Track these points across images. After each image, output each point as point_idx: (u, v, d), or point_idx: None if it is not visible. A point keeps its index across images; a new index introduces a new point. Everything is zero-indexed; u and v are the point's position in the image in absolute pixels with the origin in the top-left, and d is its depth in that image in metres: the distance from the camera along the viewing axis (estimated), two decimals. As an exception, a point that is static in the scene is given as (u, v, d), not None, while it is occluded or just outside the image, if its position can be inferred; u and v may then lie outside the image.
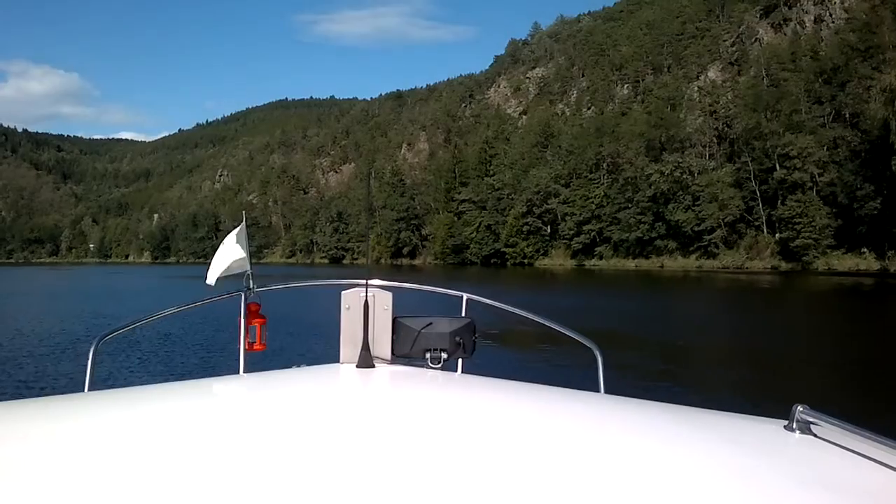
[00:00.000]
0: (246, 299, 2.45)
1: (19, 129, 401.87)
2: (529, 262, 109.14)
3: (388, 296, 2.26)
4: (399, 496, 1.02)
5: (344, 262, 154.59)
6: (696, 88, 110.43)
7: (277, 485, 1.06)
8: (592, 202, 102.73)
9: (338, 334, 2.24)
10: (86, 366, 2.35)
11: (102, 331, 2.57)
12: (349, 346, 2.22)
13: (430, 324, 2.28)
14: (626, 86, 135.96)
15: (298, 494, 1.03)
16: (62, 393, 2.05)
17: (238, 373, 2.32)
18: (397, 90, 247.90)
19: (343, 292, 2.27)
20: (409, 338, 2.26)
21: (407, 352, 2.26)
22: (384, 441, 1.33)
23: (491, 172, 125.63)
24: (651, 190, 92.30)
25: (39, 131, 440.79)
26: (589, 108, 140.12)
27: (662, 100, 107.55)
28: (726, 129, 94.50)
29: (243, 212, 3.23)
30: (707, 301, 41.59)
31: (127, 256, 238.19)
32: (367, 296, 2.20)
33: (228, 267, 2.39)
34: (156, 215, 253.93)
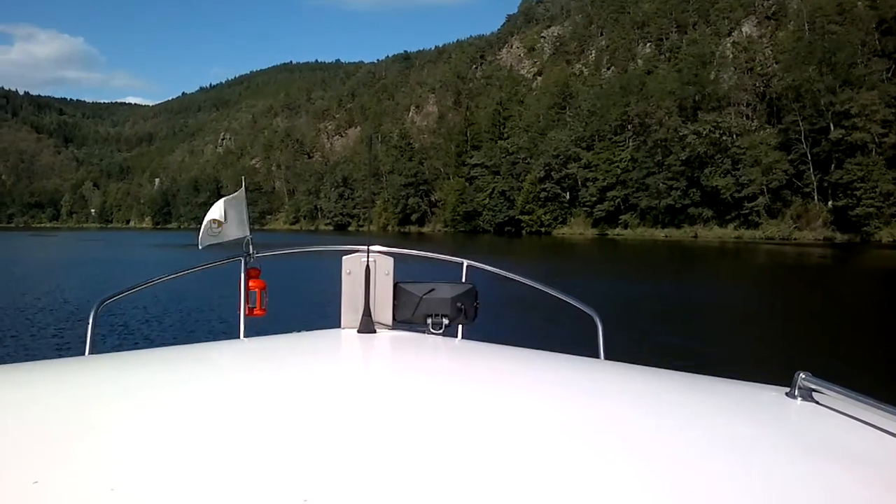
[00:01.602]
0: (246, 265, 2.48)
1: (20, 92, 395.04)
2: (546, 231, 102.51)
3: (390, 261, 2.28)
4: (400, 461, 1.02)
5: (349, 228, 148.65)
6: (728, 45, 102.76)
7: (278, 448, 1.06)
8: (617, 166, 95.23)
9: (339, 300, 2.24)
10: (86, 330, 2.36)
11: (102, 295, 2.56)
12: (350, 311, 2.23)
13: (433, 290, 2.29)
14: (648, 44, 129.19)
15: (299, 458, 1.03)
16: (63, 357, 2.08)
17: (238, 337, 2.32)
18: (405, 51, 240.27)
19: (344, 257, 2.27)
20: (410, 303, 2.27)
21: (408, 317, 2.28)
22: (386, 406, 1.32)
23: (505, 135, 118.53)
24: (685, 153, 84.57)
25: (42, 94, 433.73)
26: (609, 68, 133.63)
27: (693, 57, 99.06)
28: (764, 87, 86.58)
29: (242, 177, 3.21)
30: (749, 275, 37.49)
31: (128, 222, 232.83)
32: (368, 261, 2.21)
33: (223, 233, 2.34)
34: (157, 180, 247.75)
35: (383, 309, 2.23)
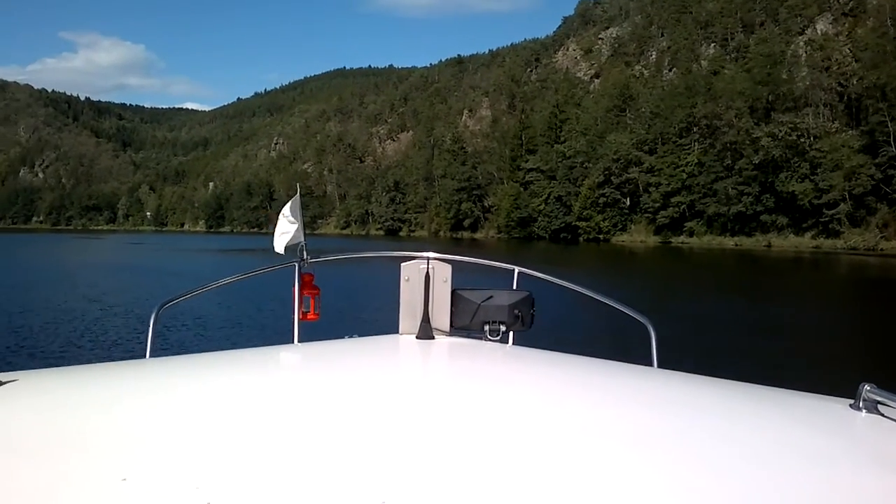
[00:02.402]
0: (299, 270, 2.51)
1: (82, 98, 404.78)
2: (605, 238, 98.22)
3: (448, 268, 2.31)
4: (461, 468, 1.03)
5: (400, 234, 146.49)
6: (801, 43, 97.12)
7: (337, 453, 1.07)
8: (682, 171, 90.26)
9: (396, 305, 2.27)
10: (146, 333, 2.42)
11: (162, 299, 2.65)
12: (408, 317, 2.27)
13: (491, 297, 2.31)
14: (713, 45, 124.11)
15: (360, 462, 1.03)
16: (124, 359, 2.19)
17: (292, 342, 2.35)
18: (458, 55, 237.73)
19: (403, 264, 2.31)
20: (468, 310, 2.30)
21: (466, 324, 2.30)
22: (447, 412, 1.34)
23: (561, 139, 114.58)
24: (758, 156, 79.13)
25: (102, 100, 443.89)
26: (670, 70, 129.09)
27: (763, 56, 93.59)
28: (843, 86, 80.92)
29: (297, 184, 3.22)
30: (827, 287, 34.91)
31: (182, 225, 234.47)
32: (428, 268, 2.26)
33: (292, 237, 2.45)
34: (211, 184, 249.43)
35: (441, 315, 2.26)
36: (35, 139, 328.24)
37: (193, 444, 1.12)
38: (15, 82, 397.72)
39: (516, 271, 2.60)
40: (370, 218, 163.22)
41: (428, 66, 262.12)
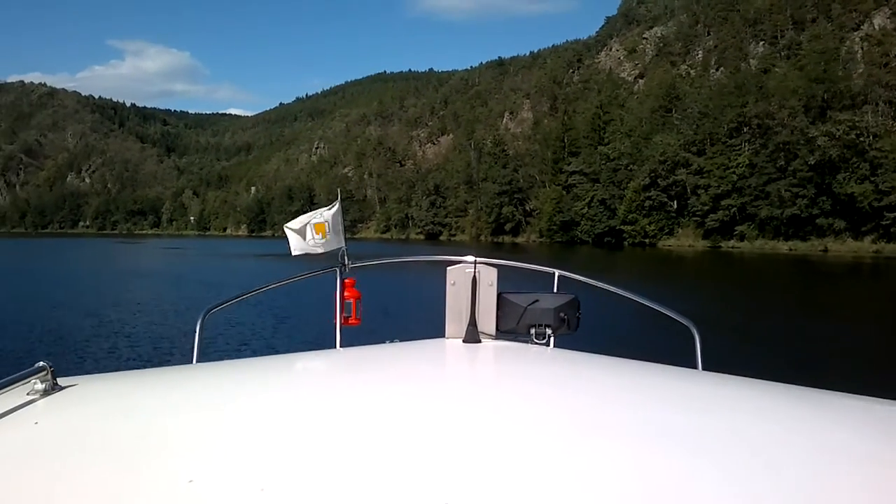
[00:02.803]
0: (341, 275, 2.55)
1: (128, 104, 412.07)
2: (651, 243, 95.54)
3: (494, 272, 2.32)
4: (509, 471, 1.03)
5: (440, 238, 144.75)
6: (857, 39, 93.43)
7: (392, 456, 1.09)
8: (733, 172, 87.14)
9: (441, 309, 2.30)
10: (193, 338, 2.48)
11: (207, 304, 2.71)
12: (454, 321, 2.29)
13: (536, 300, 2.34)
14: (761, 42, 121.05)
15: (412, 466, 1.05)
16: (172, 364, 2.38)
17: (334, 347, 2.38)
18: (499, 57, 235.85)
19: (448, 268, 2.33)
20: (514, 313, 2.32)
21: (512, 327, 2.32)
22: (496, 416, 1.35)
23: (605, 141, 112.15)
24: (814, 157, 76.02)
25: (148, 106, 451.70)
26: (717, 69, 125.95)
27: (817, 53, 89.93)
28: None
29: (338, 189, 3.37)
30: (888, 294, 33.11)
31: (225, 229, 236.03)
32: (475, 272, 2.28)
33: (327, 242, 2.46)
34: (253, 188, 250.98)
35: (487, 319, 2.27)
36: (82, 145, 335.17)
37: (252, 447, 1.14)
38: (63, 89, 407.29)
39: (556, 274, 2.63)
40: (410, 222, 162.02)
41: (468, 68, 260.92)
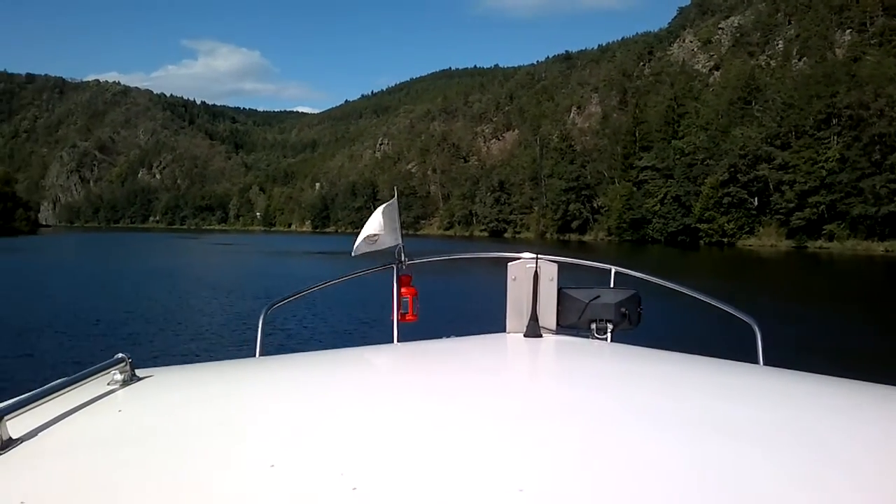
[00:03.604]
0: (398, 271, 2.61)
1: (198, 102, 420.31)
2: (729, 242, 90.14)
3: (554, 267, 2.36)
4: (576, 464, 1.04)
5: (505, 235, 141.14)
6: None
7: (465, 445, 1.11)
8: (821, 167, 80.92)
9: (502, 304, 2.33)
10: (256, 333, 2.55)
11: (270, 300, 2.81)
12: (515, 316, 2.32)
13: (598, 296, 2.36)
14: (848, 31, 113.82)
15: (479, 457, 1.06)
16: (237, 357, 2.40)
17: (392, 342, 2.39)
18: (566, 51, 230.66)
19: (510, 264, 2.37)
20: (575, 309, 2.35)
21: (573, 322, 2.35)
22: (561, 409, 1.36)
23: (679, 135, 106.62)
24: (916, 149, 69.55)
25: (218, 104, 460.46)
26: (800, 59, 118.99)
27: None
28: None
29: (395, 187, 3.66)
30: None
31: (289, 225, 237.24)
32: (536, 267, 2.31)
33: (380, 241, 2.46)
34: (318, 184, 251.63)
35: (548, 314, 2.30)
36: (153, 142, 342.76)
37: (328, 436, 1.18)
38: (136, 88, 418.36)
39: (613, 270, 2.64)
40: (474, 219, 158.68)
41: (534, 63, 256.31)
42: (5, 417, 1.18)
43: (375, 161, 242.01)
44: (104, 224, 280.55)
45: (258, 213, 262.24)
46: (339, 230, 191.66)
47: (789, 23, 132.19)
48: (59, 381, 1.44)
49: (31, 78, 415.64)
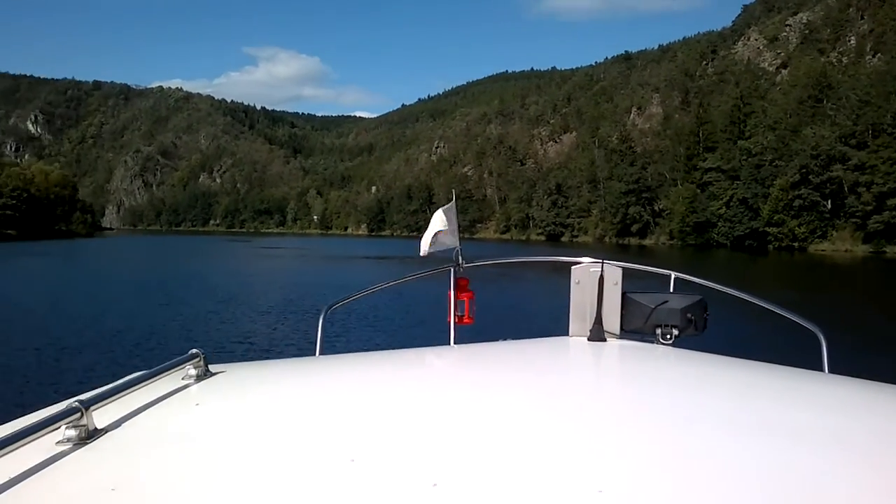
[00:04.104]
0: (455, 274, 2.62)
1: (258, 108, 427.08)
2: (800, 247, 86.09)
3: (618, 271, 2.34)
4: (652, 471, 1.04)
5: (562, 239, 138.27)
6: None
7: (525, 449, 1.11)
8: (902, 167, 76.26)
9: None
10: (316, 332, 2.58)
11: (329, 301, 2.87)
12: (578, 320, 2.31)
13: (665, 301, 2.33)
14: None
15: (552, 459, 1.06)
16: (296, 356, 2.65)
17: (448, 344, 2.38)
18: (625, 51, 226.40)
19: (573, 267, 2.36)
20: (640, 313, 2.32)
21: (638, 327, 2.32)
22: (628, 414, 1.36)
23: (746, 135, 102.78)
24: None
25: (277, 109, 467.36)
26: (874, 55, 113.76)
27: None
28: None
29: (453, 189, 3.67)
30: None
31: (346, 228, 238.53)
32: (602, 271, 2.30)
33: (440, 242, 2.48)
34: (374, 188, 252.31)
35: (612, 318, 2.28)
36: (214, 147, 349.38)
37: (404, 432, 1.20)
38: (198, 94, 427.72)
39: (673, 276, 2.61)
40: (530, 222, 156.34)
41: (592, 64, 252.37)
42: (91, 408, 1.22)
43: (431, 164, 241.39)
44: (165, 227, 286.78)
45: (315, 217, 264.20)
46: (395, 234, 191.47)
47: (862, 18, 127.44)
48: (137, 374, 1.49)
49: (97, 85, 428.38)
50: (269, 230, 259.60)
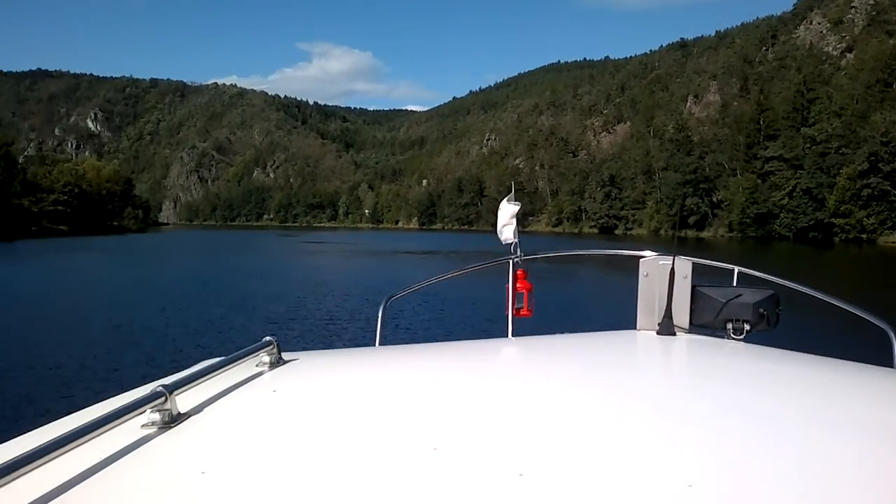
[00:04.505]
0: (514, 267, 2.63)
1: (311, 103, 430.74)
2: (869, 239, 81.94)
3: (689, 265, 2.31)
4: (742, 466, 1.03)
5: (616, 232, 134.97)
6: None
7: (608, 442, 1.11)
8: (982, 154, 71.69)
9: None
10: (376, 323, 2.63)
11: (389, 292, 2.90)
12: (646, 313, 2.29)
13: (738, 295, 2.29)
14: None
15: (631, 453, 1.06)
16: (358, 346, 2.63)
17: (507, 336, 2.39)
18: (681, 39, 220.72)
19: (641, 260, 2.36)
20: (711, 308, 2.28)
21: (708, 321, 2.29)
22: (712, 408, 1.35)
23: (810, 122, 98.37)
24: None
25: (329, 104, 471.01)
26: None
27: None
28: None
29: (511, 182, 3.85)
30: None
31: (397, 222, 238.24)
32: (673, 264, 2.26)
33: (509, 234, 2.54)
34: (424, 181, 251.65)
35: (681, 312, 2.25)
36: (267, 142, 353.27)
37: (484, 422, 1.20)
38: (252, 90, 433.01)
39: (736, 271, 2.56)
40: (583, 215, 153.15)
41: (647, 52, 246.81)
42: (174, 392, 1.26)
43: (482, 157, 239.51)
44: (220, 222, 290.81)
45: (366, 211, 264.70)
46: (446, 227, 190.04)
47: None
48: (215, 360, 1.52)
49: (154, 82, 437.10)
50: (322, 224, 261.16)
